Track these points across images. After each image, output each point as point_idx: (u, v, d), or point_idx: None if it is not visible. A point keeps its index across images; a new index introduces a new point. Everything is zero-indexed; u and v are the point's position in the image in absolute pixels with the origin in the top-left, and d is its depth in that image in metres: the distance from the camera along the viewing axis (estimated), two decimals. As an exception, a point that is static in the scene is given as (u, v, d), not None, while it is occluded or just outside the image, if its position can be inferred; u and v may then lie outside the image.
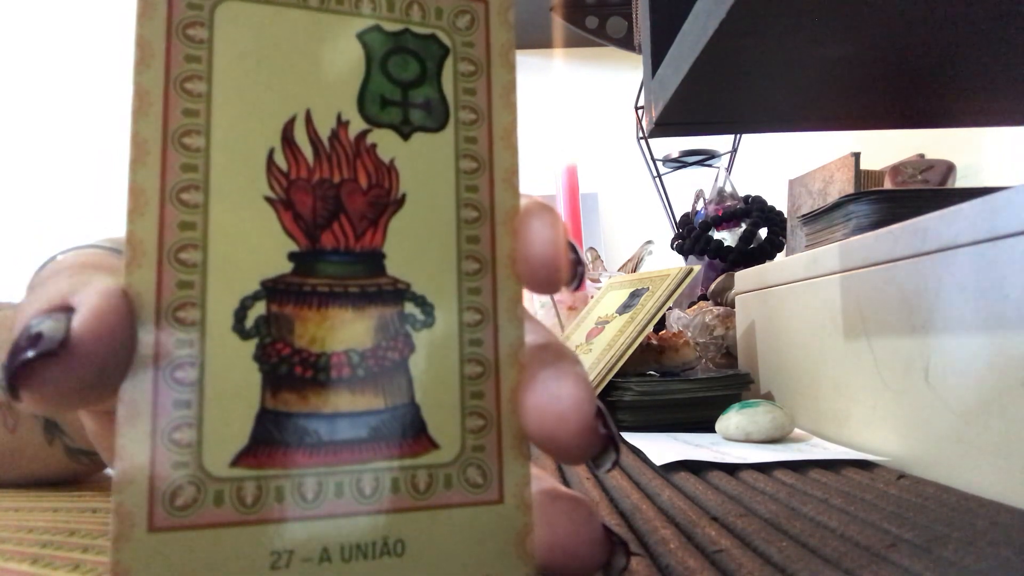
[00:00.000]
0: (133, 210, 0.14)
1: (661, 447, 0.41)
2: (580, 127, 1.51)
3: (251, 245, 0.15)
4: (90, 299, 0.14)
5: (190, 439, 0.14)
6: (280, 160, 0.15)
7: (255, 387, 0.15)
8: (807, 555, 0.22)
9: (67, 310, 0.14)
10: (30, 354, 0.13)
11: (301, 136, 0.16)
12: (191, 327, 0.14)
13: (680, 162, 1.12)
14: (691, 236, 0.91)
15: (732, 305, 0.68)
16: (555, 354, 0.17)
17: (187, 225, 0.15)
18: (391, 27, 0.17)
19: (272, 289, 0.15)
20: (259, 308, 0.15)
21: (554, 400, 0.16)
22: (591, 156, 1.46)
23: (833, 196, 0.71)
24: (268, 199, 0.15)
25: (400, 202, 0.16)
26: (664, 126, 0.47)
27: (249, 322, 0.15)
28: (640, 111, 1.07)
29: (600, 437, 0.16)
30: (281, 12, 0.16)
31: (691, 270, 0.58)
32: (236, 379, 0.15)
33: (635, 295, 0.61)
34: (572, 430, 0.16)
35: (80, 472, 0.41)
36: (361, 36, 0.16)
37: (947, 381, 0.33)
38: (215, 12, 0.15)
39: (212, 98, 0.15)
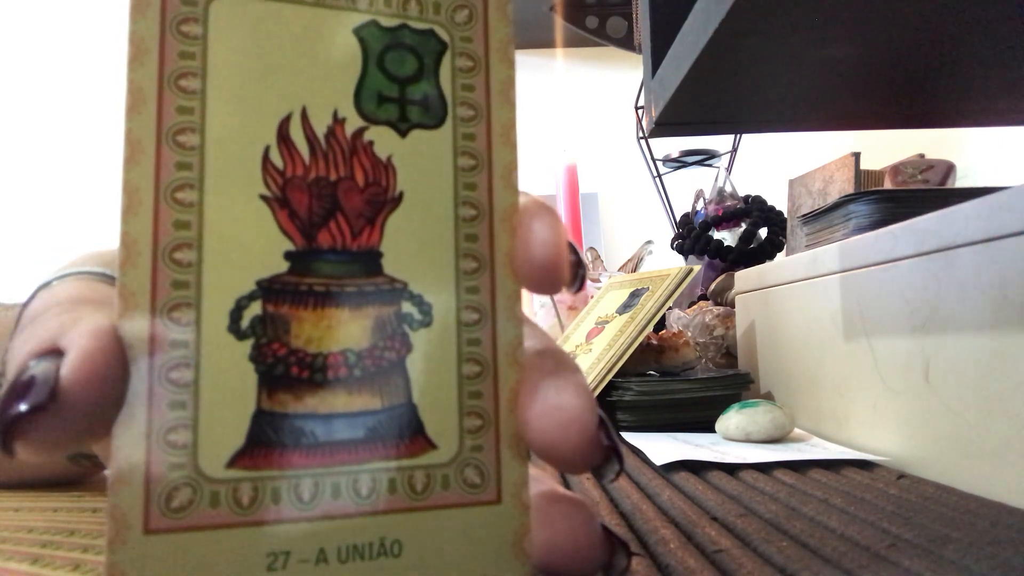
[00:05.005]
0: (127, 209, 0.14)
1: (661, 447, 0.41)
2: (580, 127, 1.51)
3: (246, 244, 0.15)
4: (80, 342, 0.14)
5: (186, 440, 0.14)
6: (276, 158, 0.15)
7: (251, 388, 0.15)
8: (807, 555, 0.22)
9: (57, 354, 0.14)
10: (21, 408, 0.13)
11: (297, 133, 0.16)
12: (186, 327, 0.14)
13: (680, 162, 1.12)
14: (691, 236, 0.91)
15: (732, 305, 0.68)
16: (555, 362, 0.17)
17: (182, 224, 0.14)
18: (388, 22, 0.17)
19: (268, 289, 0.15)
20: (255, 308, 0.15)
21: (556, 411, 0.16)
22: (591, 156, 1.46)
23: (833, 196, 0.70)
24: (264, 197, 0.15)
25: (397, 200, 0.16)
26: (664, 126, 0.47)
27: (245, 322, 0.15)
28: (640, 111, 1.07)
29: (603, 448, 0.16)
30: (277, 8, 0.16)
31: (691, 270, 0.58)
32: (232, 380, 0.14)
33: (635, 295, 0.61)
34: (574, 441, 0.16)
35: (80, 474, 0.41)
36: (358, 32, 0.16)
37: (947, 381, 0.32)
38: (209, 8, 0.15)
39: (207, 95, 0.15)
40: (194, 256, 0.15)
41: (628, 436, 0.47)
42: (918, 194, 0.53)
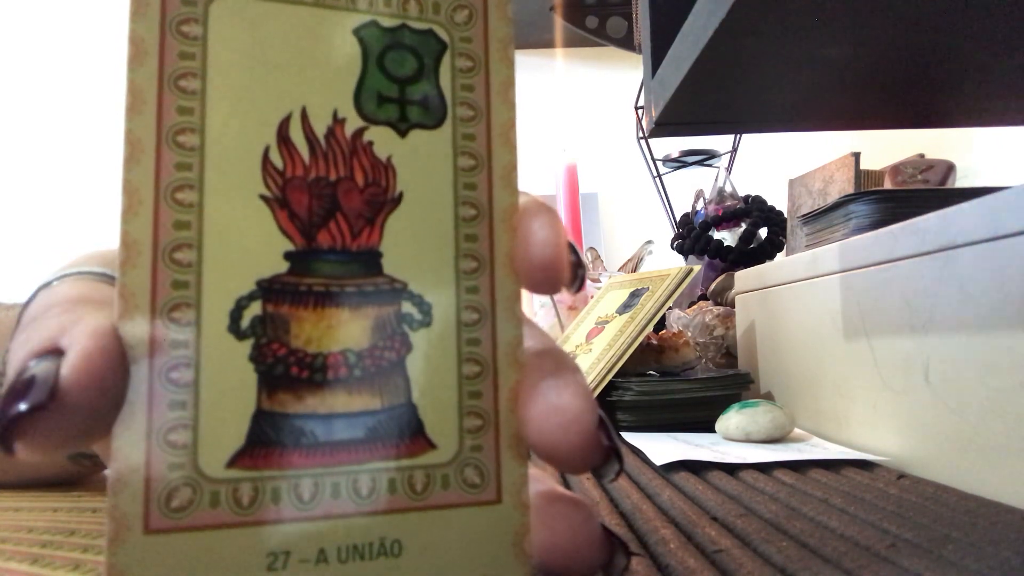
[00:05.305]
0: (127, 209, 0.14)
1: (661, 447, 0.41)
2: (580, 127, 1.51)
3: (246, 244, 0.15)
4: (80, 342, 0.14)
5: (186, 440, 0.14)
6: (276, 158, 0.15)
7: (251, 388, 0.15)
8: (807, 555, 0.22)
9: (57, 354, 0.14)
10: (21, 408, 0.13)
11: (297, 134, 0.16)
12: (186, 327, 0.14)
13: (680, 162, 1.12)
14: (691, 236, 0.91)
15: (732, 305, 0.68)
16: (555, 362, 0.17)
17: (182, 224, 0.15)
18: (388, 23, 0.17)
19: (268, 289, 0.15)
20: (255, 308, 0.15)
21: (556, 412, 0.16)
22: (591, 156, 1.46)
23: (833, 196, 0.70)
24: (263, 198, 0.15)
25: (397, 200, 0.16)
26: (664, 126, 0.47)
27: (245, 322, 0.15)
28: (640, 111, 1.07)
29: (603, 448, 0.16)
30: (277, 8, 0.16)
31: (691, 270, 0.58)
32: (232, 380, 0.14)
33: (635, 295, 0.61)
34: (575, 442, 0.16)
35: (80, 474, 0.41)
36: (358, 32, 0.16)
37: (947, 381, 0.32)
38: (209, 8, 0.15)
39: (207, 96, 0.15)
40: (194, 256, 0.15)
41: (628, 436, 0.47)
42: (918, 194, 0.53)
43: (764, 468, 0.35)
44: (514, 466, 0.16)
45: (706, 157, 1.10)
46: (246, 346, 0.15)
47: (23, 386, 0.14)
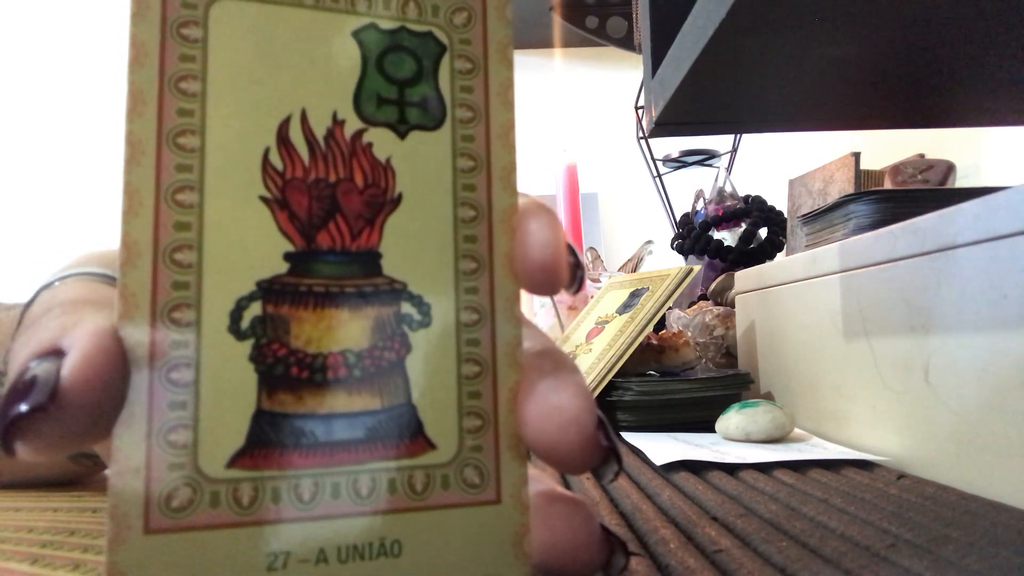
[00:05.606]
0: (128, 211, 0.14)
1: (661, 447, 0.41)
2: (580, 127, 1.51)
3: (246, 245, 0.15)
4: (80, 343, 0.14)
5: (186, 440, 0.14)
6: (275, 160, 0.15)
7: (251, 388, 0.15)
8: (807, 555, 0.22)
9: (58, 355, 0.14)
10: (22, 408, 0.13)
11: (297, 135, 0.16)
12: (186, 328, 0.14)
13: (680, 162, 1.12)
14: (691, 236, 0.91)
15: (732, 305, 0.68)
16: (554, 362, 0.17)
17: (182, 225, 0.15)
18: (387, 25, 0.17)
19: (268, 289, 0.15)
20: (255, 308, 0.15)
21: (555, 412, 0.16)
22: (591, 156, 1.46)
23: (833, 196, 0.70)
24: (263, 199, 0.15)
25: (396, 201, 0.16)
26: (664, 126, 0.47)
27: (245, 323, 0.15)
28: (640, 111, 1.07)
29: (601, 449, 0.16)
30: (276, 11, 0.16)
31: (691, 270, 0.58)
32: (232, 380, 0.15)
33: (635, 295, 0.61)
34: (573, 442, 0.16)
35: (81, 474, 0.41)
36: (357, 34, 0.16)
37: (947, 381, 0.32)
38: (210, 11, 0.15)
39: (207, 98, 0.15)
40: (194, 257, 0.15)
41: (628, 436, 0.47)
42: (918, 194, 0.53)
43: (764, 468, 0.35)
44: (514, 466, 0.16)
45: (706, 157, 1.10)
46: (246, 346, 0.15)
47: (24, 387, 0.14)
